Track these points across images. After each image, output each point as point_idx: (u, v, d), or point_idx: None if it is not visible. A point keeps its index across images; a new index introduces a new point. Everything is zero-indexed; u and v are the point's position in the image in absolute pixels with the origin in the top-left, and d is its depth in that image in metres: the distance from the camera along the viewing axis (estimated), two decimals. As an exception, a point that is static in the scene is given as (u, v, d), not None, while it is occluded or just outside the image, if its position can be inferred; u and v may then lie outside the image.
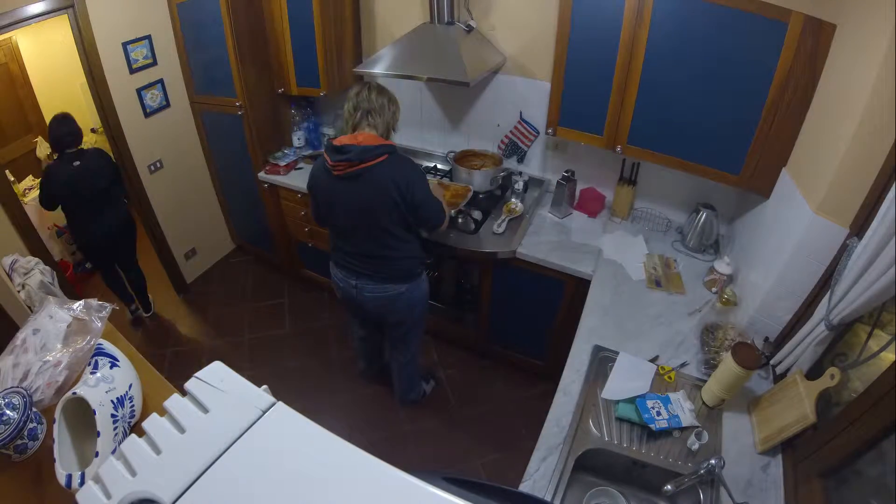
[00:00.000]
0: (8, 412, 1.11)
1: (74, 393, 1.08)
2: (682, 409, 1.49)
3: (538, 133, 2.50)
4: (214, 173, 3.34)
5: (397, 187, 1.71)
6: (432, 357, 2.90)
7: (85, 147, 2.66)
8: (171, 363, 2.93)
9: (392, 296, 1.98)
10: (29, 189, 3.52)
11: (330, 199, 1.83)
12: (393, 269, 1.93)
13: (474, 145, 2.71)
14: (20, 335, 1.31)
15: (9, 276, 1.83)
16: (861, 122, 1.29)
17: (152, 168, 2.95)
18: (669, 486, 1.25)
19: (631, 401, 1.53)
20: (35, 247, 2.45)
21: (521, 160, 2.64)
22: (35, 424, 1.17)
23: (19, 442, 1.13)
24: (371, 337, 2.50)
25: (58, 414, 1.07)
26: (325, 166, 1.76)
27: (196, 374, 0.71)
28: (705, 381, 1.55)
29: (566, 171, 2.39)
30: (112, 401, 1.13)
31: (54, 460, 1.02)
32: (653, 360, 1.68)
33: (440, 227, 1.96)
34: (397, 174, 1.72)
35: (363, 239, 1.85)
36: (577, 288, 2.16)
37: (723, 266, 1.95)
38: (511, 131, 2.57)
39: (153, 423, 0.66)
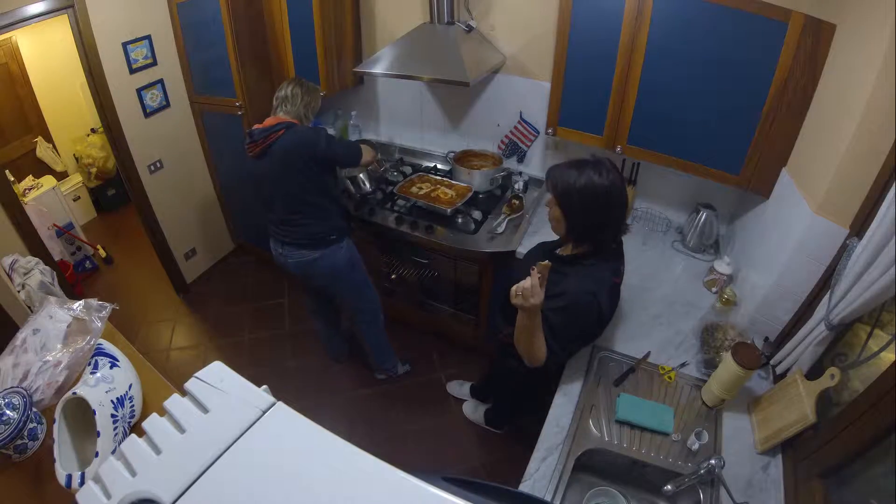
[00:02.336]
0: (8, 412, 1.11)
1: (74, 393, 1.08)
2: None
3: (538, 133, 2.50)
4: (214, 173, 3.33)
5: (301, 151, 1.91)
6: (432, 357, 2.89)
7: None
8: (171, 363, 2.93)
9: (308, 261, 2.15)
10: (29, 189, 3.52)
11: (253, 177, 2.09)
12: (305, 236, 2.10)
13: (474, 145, 2.71)
14: (20, 335, 1.31)
15: (9, 276, 1.83)
16: (861, 122, 1.29)
17: (152, 168, 2.95)
18: (669, 486, 1.26)
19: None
20: (35, 247, 2.44)
21: (521, 160, 2.64)
22: (35, 424, 1.17)
23: (19, 442, 1.13)
24: (322, 309, 2.62)
25: (58, 414, 1.07)
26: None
27: (196, 374, 0.71)
28: (705, 381, 1.56)
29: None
30: (112, 401, 1.13)
31: (54, 460, 1.02)
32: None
33: (365, 162, 2.17)
34: (298, 140, 1.91)
35: (280, 207, 2.06)
36: (577, 288, 2.15)
37: (723, 266, 1.95)
38: (511, 131, 2.57)
39: (153, 423, 0.66)
